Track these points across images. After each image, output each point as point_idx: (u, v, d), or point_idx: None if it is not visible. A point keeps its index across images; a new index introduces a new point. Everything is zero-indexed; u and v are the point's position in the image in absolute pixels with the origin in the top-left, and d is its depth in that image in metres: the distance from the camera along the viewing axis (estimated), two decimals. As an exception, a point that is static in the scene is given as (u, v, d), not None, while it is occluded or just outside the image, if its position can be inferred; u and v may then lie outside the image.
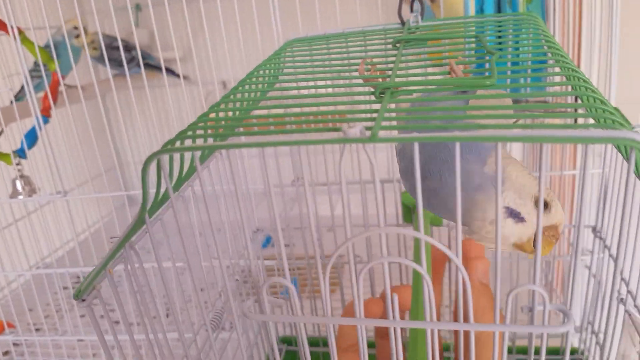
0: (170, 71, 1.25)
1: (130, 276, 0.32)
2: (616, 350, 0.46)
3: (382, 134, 0.25)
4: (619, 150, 0.31)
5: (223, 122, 0.33)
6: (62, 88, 0.82)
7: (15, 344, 0.88)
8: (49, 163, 0.71)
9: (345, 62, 0.42)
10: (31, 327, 0.87)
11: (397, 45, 0.41)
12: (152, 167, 0.28)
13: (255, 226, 0.60)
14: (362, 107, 0.30)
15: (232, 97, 0.37)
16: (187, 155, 0.33)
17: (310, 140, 0.26)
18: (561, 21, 0.74)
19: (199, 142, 0.30)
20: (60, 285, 1.00)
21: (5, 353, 0.87)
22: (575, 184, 0.80)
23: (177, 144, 0.29)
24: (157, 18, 1.18)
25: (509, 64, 0.35)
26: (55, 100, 0.82)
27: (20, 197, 0.78)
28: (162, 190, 0.30)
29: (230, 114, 0.35)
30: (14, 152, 0.79)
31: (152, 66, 1.26)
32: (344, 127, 0.25)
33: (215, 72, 1.33)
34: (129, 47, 1.20)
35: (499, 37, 0.43)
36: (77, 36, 1.03)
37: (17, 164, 0.79)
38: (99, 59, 1.15)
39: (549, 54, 0.37)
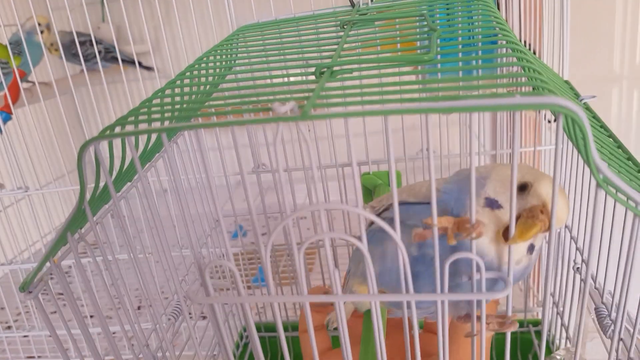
0: (139, 64, 1.24)
1: (78, 266, 0.32)
2: (575, 318, 0.47)
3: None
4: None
5: (167, 107, 0.32)
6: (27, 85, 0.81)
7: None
8: (10, 159, 0.70)
9: (297, 44, 0.42)
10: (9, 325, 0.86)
11: (344, 26, 0.41)
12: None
13: (216, 216, 0.60)
14: (298, 88, 0.30)
15: (177, 82, 0.37)
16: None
17: (242, 120, 0.26)
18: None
19: (142, 127, 0.30)
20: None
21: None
22: (539, 160, 0.81)
23: (118, 129, 0.29)
24: (120, 13, 1.17)
25: (460, 45, 0.35)
26: (16, 97, 0.81)
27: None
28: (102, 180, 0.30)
29: (177, 99, 0.35)
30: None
31: (123, 60, 1.25)
32: (274, 105, 0.25)
33: (180, 63, 1.33)
34: (97, 42, 1.18)
35: (447, 15, 0.43)
36: (42, 32, 1.01)
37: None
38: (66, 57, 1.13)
39: (497, 30, 0.37)
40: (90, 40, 1.17)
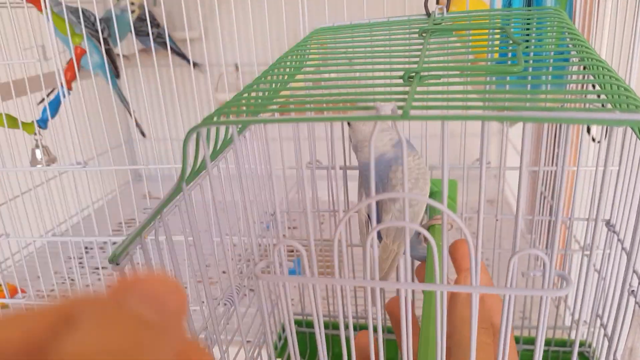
0: (182, 55, 1.28)
1: (160, 243, 0.33)
2: (624, 343, 0.47)
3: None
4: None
5: (259, 101, 0.34)
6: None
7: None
8: (70, 134, 0.72)
9: (378, 49, 0.43)
10: (43, 294, 0.88)
11: (424, 34, 0.42)
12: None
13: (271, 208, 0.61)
14: (390, 90, 0.31)
15: (263, 79, 0.38)
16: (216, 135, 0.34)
17: (343, 116, 0.27)
18: (582, 17, 0.75)
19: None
20: (72, 254, 1.01)
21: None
22: (579, 180, 0.80)
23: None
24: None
25: (531, 54, 0.36)
26: (73, 75, 0.83)
27: (39, 165, 0.79)
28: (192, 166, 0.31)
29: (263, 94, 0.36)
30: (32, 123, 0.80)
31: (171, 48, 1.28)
32: (377, 104, 0.26)
33: (228, 55, 1.35)
34: (154, 23, 1.21)
35: (526, 29, 0.43)
36: (133, 11, 1.06)
37: (37, 134, 0.81)
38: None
39: (572, 46, 0.38)
40: (152, 20, 1.21)
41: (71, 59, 0.82)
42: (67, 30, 0.76)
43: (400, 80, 0.33)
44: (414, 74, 0.32)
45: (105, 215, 0.87)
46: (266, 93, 0.36)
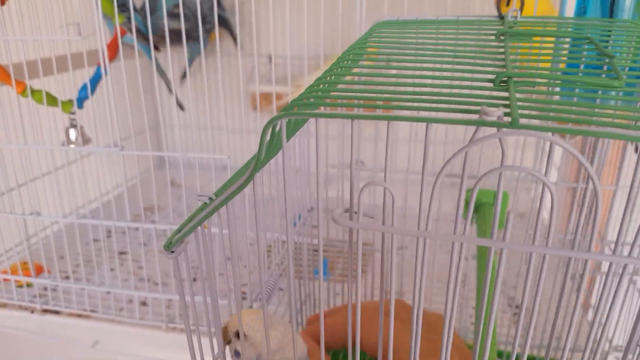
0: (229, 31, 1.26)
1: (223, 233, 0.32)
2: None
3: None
4: None
5: (339, 93, 0.32)
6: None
7: (51, 289, 0.89)
8: (107, 115, 0.71)
9: (442, 48, 0.41)
10: (69, 274, 0.87)
11: (501, 37, 0.40)
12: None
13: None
14: (483, 94, 0.29)
15: (335, 70, 0.36)
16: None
17: (444, 119, 0.25)
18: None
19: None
20: (92, 237, 1.01)
21: (40, 296, 0.88)
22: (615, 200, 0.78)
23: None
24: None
25: (626, 69, 0.34)
26: (114, 55, 0.82)
27: (73, 146, 0.78)
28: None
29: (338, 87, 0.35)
30: (70, 101, 0.79)
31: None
32: (484, 109, 0.24)
33: (262, 45, 1.33)
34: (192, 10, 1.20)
35: (605, 41, 0.41)
36: None
37: (72, 113, 0.80)
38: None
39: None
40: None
41: (113, 37, 0.80)
42: (113, 10, 0.75)
43: (490, 84, 0.31)
44: (506, 79, 0.31)
45: (135, 196, 0.86)
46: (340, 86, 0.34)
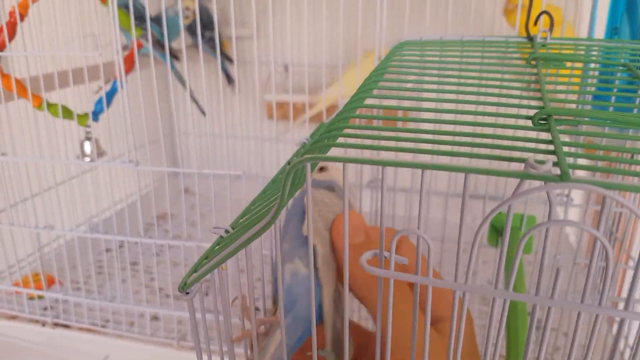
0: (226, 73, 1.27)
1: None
2: None
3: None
4: None
5: (364, 132, 0.30)
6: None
7: (62, 301, 0.88)
8: (122, 126, 0.70)
9: (470, 75, 0.40)
10: (81, 285, 0.86)
11: (533, 62, 0.38)
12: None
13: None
14: (520, 135, 0.27)
15: (357, 102, 0.34)
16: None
17: (485, 169, 0.23)
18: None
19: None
20: (104, 247, 1.00)
21: (51, 308, 0.87)
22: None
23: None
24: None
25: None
26: (130, 68, 0.82)
27: (88, 159, 0.77)
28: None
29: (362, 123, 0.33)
30: (86, 114, 0.78)
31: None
32: (530, 162, 0.22)
33: (279, 55, 1.32)
34: (204, 23, 1.20)
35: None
36: (187, 17, 1.06)
37: (87, 126, 0.79)
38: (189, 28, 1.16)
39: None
40: (205, 18, 1.19)
41: (130, 51, 0.80)
42: (129, 23, 0.74)
43: (528, 122, 0.29)
44: (545, 117, 0.29)
45: (149, 204, 0.86)
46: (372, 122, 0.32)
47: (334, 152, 0.28)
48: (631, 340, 0.73)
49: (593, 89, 0.38)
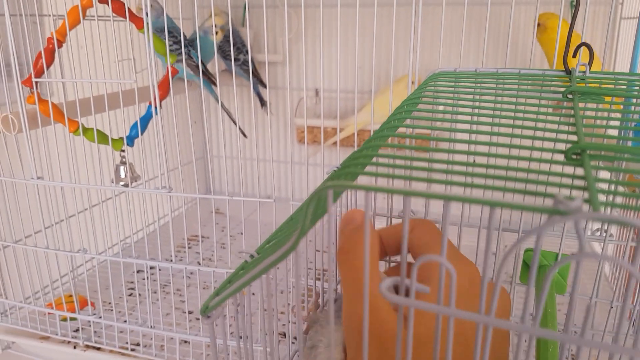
0: (258, 94, 1.28)
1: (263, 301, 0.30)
2: None
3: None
4: None
5: (393, 161, 0.30)
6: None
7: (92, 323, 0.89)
8: (153, 152, 0.71)
9: (504, 107, 0.39)
10: (112, 307, 0.87)
11: (569, 96, 0.38)
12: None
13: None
14: (553, 170, 0.27)
15: (385, 130, 0.34)
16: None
17: (511, 203, 0.23)
18: None
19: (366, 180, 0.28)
20: (136, 268, 1.01)
21: (82, 329, 0.88)
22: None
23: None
24: (258, 19, 1.19)
25: None
26: (165, 94, 0.83)
27: (122, 184, 0.79)
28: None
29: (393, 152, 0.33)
30: (121, 139, 0.80)
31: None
32: (558, 197, 0.22)
33: (309, 80, 1.33)
34: (238, 46, 1.22)
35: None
36: (217, 33, 1.08)
37: (122, 151, 0.80)
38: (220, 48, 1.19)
39: None
40: (238, 44, 1.21)
41: (165, 77, 0.81)
42: (164, 50, 0.76)
43: (561, 156, 0.28)
44: (579, 151, 0.28)
45: (181, 225, 0.86)
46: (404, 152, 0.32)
47: (363, 181, 0.28)
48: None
49: (633, 124, 0.37)
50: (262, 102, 1.29)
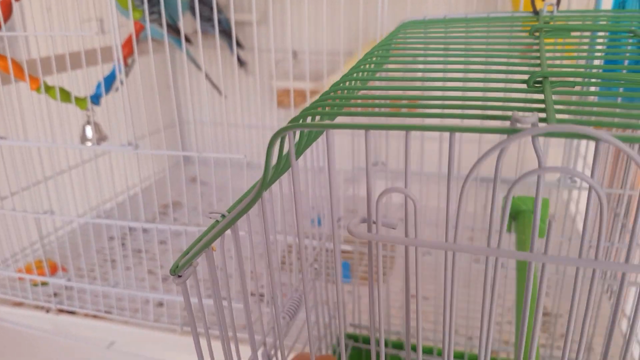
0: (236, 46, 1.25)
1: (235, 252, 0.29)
2: None
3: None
4: None
5: (350, 101, 0.29)
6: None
7: (65, 287, 0.88)
8: (123, 112, 0.69)
9: (472, 47, 0.38)
10: (83, 273, 0.86)
11: (536, 33, 0.37)
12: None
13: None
14: (516, 97, 0.26)
15: (354, 75, 0.33)
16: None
17: (470, 127, 0.22)
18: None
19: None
20: (108, 235, 0.99)
21: (55, 295, 0.87)
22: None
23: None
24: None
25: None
26: (130, 51, 0.81)
27: (89, 143, 0.77)
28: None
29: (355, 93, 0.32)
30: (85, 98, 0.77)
31: (223, 32, 1.24)
32: (515, 114, 0.21)
33: (288, 41, 1.30)
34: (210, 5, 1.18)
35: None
36: None
37: (89, 110, 0.78)
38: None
39: None
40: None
41: (130, 34, 0.79)
42: (128, 4, 0.73)
43: (524, 85, 0.28)
44: (540, 79, 0.27)
45: (155, 193, 0.85)
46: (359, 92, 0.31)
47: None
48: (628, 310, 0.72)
49: (598, 56, 0.36)
50: (241, 62, 1.26)
